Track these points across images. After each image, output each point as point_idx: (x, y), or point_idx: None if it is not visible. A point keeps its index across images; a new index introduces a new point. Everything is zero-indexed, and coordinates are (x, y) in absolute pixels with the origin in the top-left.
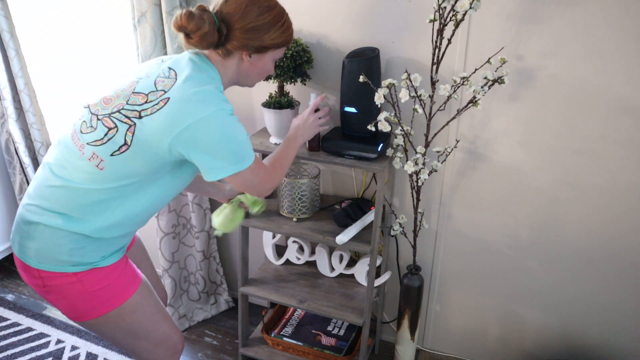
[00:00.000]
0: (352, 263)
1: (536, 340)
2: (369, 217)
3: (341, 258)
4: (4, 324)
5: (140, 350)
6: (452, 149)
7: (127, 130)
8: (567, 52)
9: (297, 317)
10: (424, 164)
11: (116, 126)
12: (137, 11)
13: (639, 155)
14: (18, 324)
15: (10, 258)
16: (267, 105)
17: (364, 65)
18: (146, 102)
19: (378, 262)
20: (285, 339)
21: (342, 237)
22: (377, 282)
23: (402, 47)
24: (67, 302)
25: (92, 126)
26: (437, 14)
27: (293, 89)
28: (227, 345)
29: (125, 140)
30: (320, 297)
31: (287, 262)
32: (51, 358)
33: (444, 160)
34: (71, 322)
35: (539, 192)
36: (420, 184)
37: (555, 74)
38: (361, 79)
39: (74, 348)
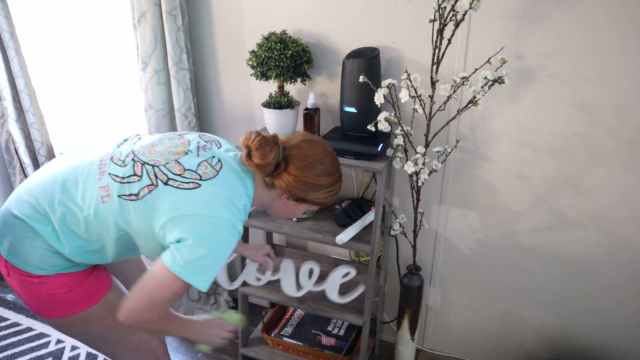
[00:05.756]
0: (321, 278)
1: (536, 340)
2: (369, 217)
3: (311, 272)
4: (4, 324)
5: (116, 355)
6: (452, 149)
7: (147, 186)
8: (567, 52)
9: (297, 317)
10: (424, 164)
11: (141, 177)
12: (137, 11)
13: None
14: (18, 324)
15: None
16: (267, 105)
17: (364, 65)
18: (180, 175)
19: (353, 273)
20: (285, 339)
21: (342, 237)
22: (347, 298)
23: (402, 47)
24: (29, 298)
25: (123, 162)
26: (437, 14)
27: (293, 89)
28: (227, 345)
29: (138, 192)
30: (320, 297)
31: (244, 284)
32: (51, 358)
33: (444, 160)
34: None
35: (539, 192)
36: (420, 184)
37: (556, 73)
38: (361, 79)
39: (74, 348)
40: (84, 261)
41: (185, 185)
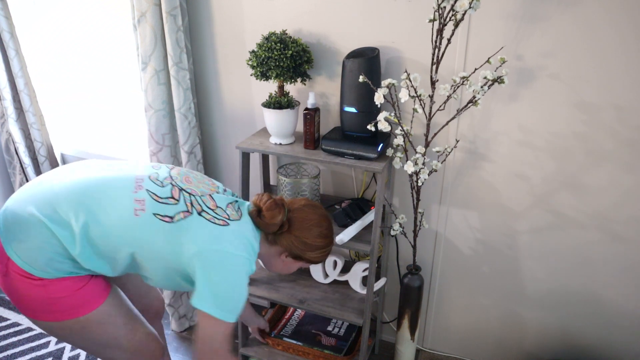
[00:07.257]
0: (345, 269)
1: (536, 340)
2: (369, 217)
3: (335, 264)
4: (4, 324)
5: (114, 359)
6: (452, 149)
7: (183, 212)
8: (567, 52)
9: (297, 317)
10: (424, 164)
11: (178, 201)
12: (137, 11)
13: None
14: (18, 324)
15: None
16: (267, 105)
17: (364, 65)
18: (213, 210)
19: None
20: (285, 339)
21: (342, 237)
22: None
23: (402, 47)
24: (27, 300)
25: (162, 183)
26: (437, 13)
27: (293, 89)
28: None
29: (174, 216)
30: (320, 297)
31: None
32: (51, 358)
33: (444, 160)
34: None
35: (539, 192)
36: (420, 184)
37: (556, 73)
38: (361, 79)
39: (74, 348)
40: (92, 267)
41: (217, 221)
